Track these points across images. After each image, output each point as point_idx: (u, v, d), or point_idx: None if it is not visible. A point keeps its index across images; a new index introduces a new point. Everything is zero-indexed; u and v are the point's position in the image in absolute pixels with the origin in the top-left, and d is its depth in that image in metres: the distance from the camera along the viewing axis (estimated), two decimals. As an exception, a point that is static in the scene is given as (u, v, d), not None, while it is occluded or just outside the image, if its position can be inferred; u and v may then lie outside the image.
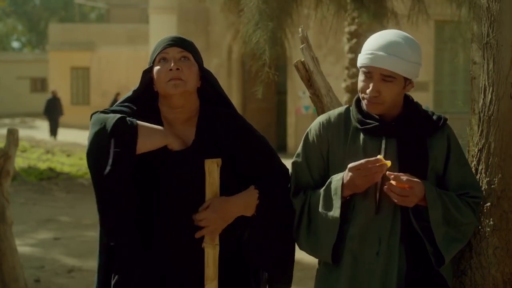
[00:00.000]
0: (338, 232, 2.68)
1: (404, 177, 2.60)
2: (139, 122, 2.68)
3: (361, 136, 2.72)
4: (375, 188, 2.67)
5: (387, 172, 2.61)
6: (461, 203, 2.70)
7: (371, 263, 2.67)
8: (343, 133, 2.76)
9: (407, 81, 2.67)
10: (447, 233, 2.67)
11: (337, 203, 2.67)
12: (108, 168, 2.60)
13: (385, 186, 2.61)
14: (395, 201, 2.61)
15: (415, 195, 2.60)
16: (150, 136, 2.68)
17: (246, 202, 2.74)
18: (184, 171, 2.71)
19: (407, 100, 2.75)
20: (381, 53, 2.62)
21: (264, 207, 2.75)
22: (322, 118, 2.82)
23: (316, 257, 2.81)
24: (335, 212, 2.67)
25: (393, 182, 2.60)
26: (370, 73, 2.65)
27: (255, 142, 2.82)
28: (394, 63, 2.62)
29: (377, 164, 2.60)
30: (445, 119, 2.76)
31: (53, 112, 23.09)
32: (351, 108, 2.79)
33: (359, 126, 2.72)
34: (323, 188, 2.72)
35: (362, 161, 2.62)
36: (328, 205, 2.69)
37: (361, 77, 2.70)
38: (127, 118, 2.67)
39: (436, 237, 2.64)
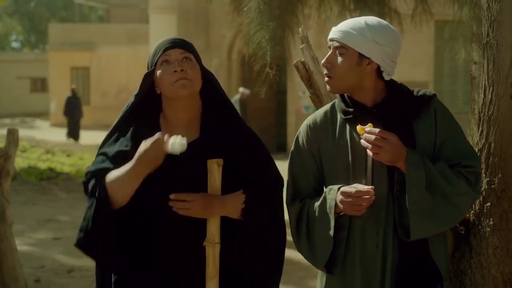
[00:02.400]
0: (335, 236, 2.67)
1: (377, 129, 2.58)
2: (134, 156, 2.62)
3: (348, 128, 2.70)
4: (367, 178, 2.65)
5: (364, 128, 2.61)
6: (450, 171, 2.62)
7: (372, 256, 2.66)
8: (331, 129, 2.74)
9: (363, 59, 2.63)
10: (438, 204, 2.59)
11: (331, 222, 2.67)
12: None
13: (361, 140, 2.59)
14: (371, 154, 2.58)
15: (390, 145, 2.55)
16: (147, 164, 2.62)
17: (231, 204, 2.70)
18: (185, 171, 2.71)
19: (390, 85, 2.70)
20: (337, 27, 2.68)
21: (249, 212, 2.71)
22: (309, 120, 2.81)
23: (315, 266, 2.79)
24: (330, 231, 2.67)
25: (367, 135, 2.57)
26: (329, 48, 2.70)
27: (252, 146, 2.80)
28: (344, 34, 2.64)
29: (366, 196, 2.58)
30: (430, 96, 2.70)
31: (73, 112, 21.47)
32: (336, 102, 2.78)
33: (343, 116, 2.71)
34: (319, 202, 2.71)
35: (353, 190, 2.61)
36: (323, 223, 2.70)
37: None
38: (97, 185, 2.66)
39: (408, 199, 2.57)
